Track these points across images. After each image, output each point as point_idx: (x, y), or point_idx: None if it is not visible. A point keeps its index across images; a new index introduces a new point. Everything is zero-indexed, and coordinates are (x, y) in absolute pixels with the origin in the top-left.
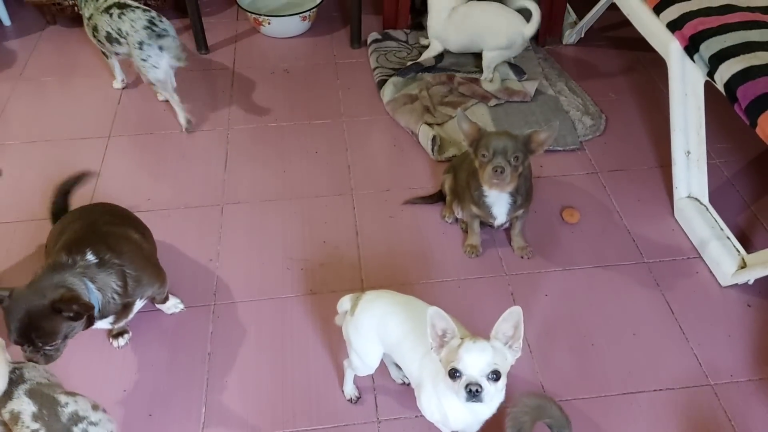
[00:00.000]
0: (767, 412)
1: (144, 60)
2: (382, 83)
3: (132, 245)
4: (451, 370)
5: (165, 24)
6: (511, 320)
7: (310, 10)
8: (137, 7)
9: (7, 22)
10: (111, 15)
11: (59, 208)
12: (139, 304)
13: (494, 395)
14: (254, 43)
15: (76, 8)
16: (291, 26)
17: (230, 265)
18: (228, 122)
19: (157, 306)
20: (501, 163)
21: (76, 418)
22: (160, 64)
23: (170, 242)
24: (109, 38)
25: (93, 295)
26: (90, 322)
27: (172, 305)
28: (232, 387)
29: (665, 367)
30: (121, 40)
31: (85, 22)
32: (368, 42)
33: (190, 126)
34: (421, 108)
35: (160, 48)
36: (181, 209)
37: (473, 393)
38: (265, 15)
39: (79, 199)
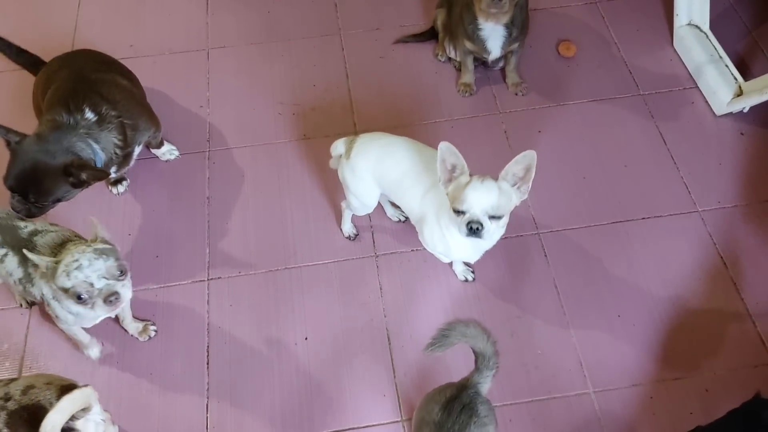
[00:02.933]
0: (750, 236)
1: None
2: None
3: (123, 92)
4: (455, 210)
5: None
6: (523, 163)
7: None
8: None
9: None
10: None
11: (25, 60)
12: (137, 151)
13: (494, 232)
14: None
15: None
16: None
17: (221, 111)
18: None
19: (153, 152)
20: None
21: (35, 232)
22: None
23: (158, 89)
24: None
25: (98, 155)
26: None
27: (167, 151)
28: (234, 229)
29: (654, 196)
30: None
31: None
32: None
33: None
34: None
35: None
36: (166, 55)
37: (474, 230)
38: None
39: (58, 48)
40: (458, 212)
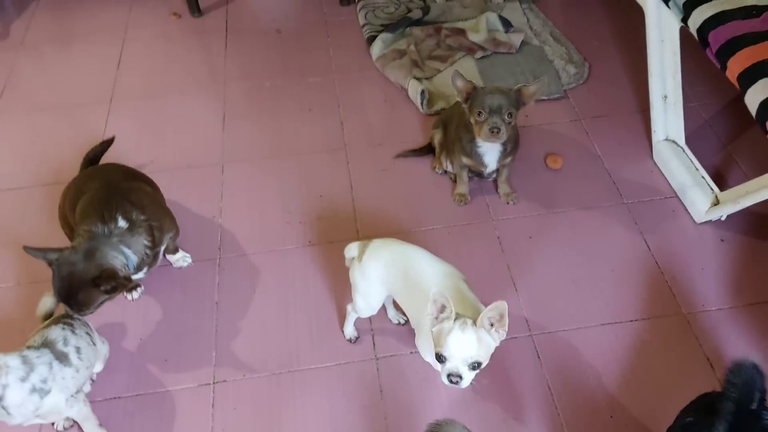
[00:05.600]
0: (735, 338)
1: None
2: (371, 40)
3: (149, 197)
4: (437, 354)
5: None
6: (496, 311)
7: None
8: None
9: None
10: None
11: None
12: (161, 251)
13: (473, 377)
14: (245, 5)
15: None
16: None
17: (233, 220)
18: (224, 83)
19: (167, 257)
20: (497, 123)
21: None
22: None
23: (175, 200)
24: None
25: (130, 259)
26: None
27: (181, 258)
28: (240, 332)
29: (641, 299)
30: None
31: None
32: None
33: None
34: (410, 63)
35: None
36: (183, 169)
37: (453, 381)
38: None
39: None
40: (440, 358)
